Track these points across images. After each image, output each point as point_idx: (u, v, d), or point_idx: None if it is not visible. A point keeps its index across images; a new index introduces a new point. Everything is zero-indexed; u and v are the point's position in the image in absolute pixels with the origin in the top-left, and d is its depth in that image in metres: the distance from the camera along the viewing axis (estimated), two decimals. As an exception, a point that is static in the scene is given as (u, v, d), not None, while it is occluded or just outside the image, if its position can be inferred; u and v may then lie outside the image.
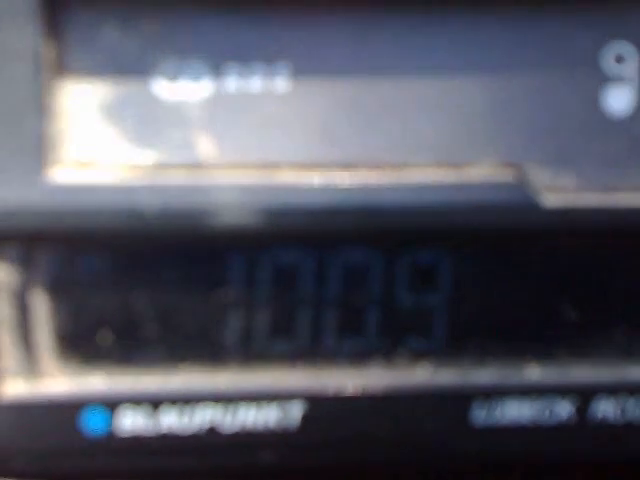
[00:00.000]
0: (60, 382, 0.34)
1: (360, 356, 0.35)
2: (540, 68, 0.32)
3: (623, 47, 0.32)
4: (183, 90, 0.32)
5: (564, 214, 0.33)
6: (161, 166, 0.32)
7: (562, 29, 0.32)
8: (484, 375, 0.35)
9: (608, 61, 0.32)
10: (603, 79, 0.33)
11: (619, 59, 0.32)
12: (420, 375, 0.35)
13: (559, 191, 0.33)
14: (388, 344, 0.35)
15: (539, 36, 0.32)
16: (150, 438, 0.34)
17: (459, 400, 0.35)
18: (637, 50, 0.32)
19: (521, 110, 0.32)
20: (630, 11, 0.32)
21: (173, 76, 0.31)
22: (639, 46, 0.32)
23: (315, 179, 0.32)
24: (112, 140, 0.32)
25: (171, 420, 0.34)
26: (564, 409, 0.35)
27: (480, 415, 0.35)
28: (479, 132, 0.32)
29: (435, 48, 0.32)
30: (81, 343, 0.34)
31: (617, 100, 0.33)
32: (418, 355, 0.35)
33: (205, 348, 0.34)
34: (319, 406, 0.35)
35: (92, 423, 0.34)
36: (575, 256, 0.34)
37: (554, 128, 0.33)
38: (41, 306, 0.33)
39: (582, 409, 0.35)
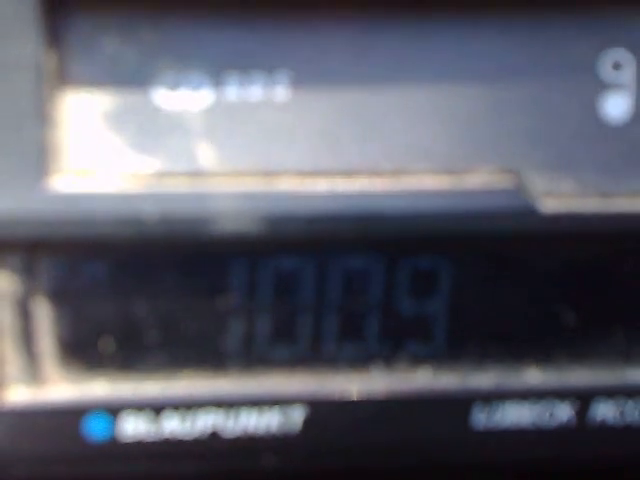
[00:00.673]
0: (63, 388, 0.34)
1: (361, 361, 0.35)
2: (538, 75, 0.32)
3: (620, 54, 0.32)
4: (183, 99, 0.32)
5: (562, 220, 0.33)
6: (162, 174, 0.32)
7: (559, 36, 0.32)
8: (484, 379, 0.35)
9: (605, 68, 0.33)
10: (600, 86, 0.33)
11: (616, 66, 0.33)
12: (420, 379, 0.35)
13: (557, 197, 0.33)
14: (388, 349, 0.35)
15: (537, 43, 0.32)
16: (152, 443, 0.34)
17: (459, 404, 0.35)
18: (634, 57, 0.32)
19: (519, 117, 0.33)
20: (627, 18, 0.32)
21: (173, 85, 0.32)
22: (636, 53, 0.32)
23: (315, 187, 0.32)
24: (113, 149, 0.32)
25: (173, 425, 0.34)
26: (564, 412, 0.35)
27: (480, 419, 0.35)
28: (478, 139, 0.33)
29: (434, 56, 0.32)
30: (83, 350, 0.34)
31: (614, 107, 0.33)
32: (418, 360, 0.35)
33: (207, 354, 0.34)
34: (320, 411, 0.35)
35: (95, 429, 0.34)
36: (573, 261, 0.34)
37: (552, 134, 0.33)
38: (43, 314, 0.33)
39: (582, 412, 0.35)
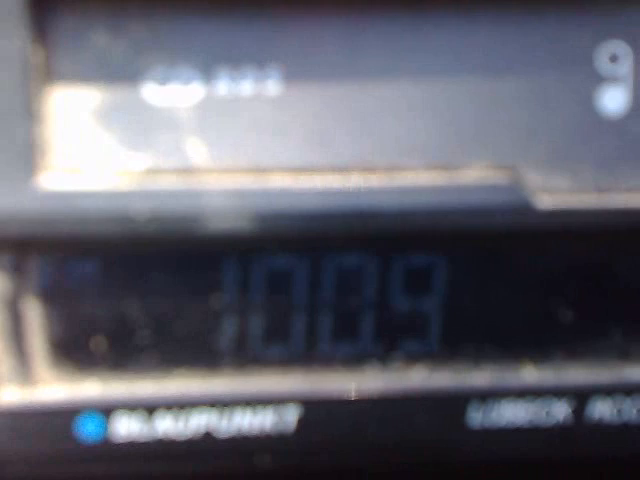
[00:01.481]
0: (55, 389, 0.34)
1: (355, 360, 0.35)
2: (534, 68, 0.32)
3: (617, 46, 0.32)
4: (173, 94, 0.31)
5: (558, 215, 0.33)
6: (152, 171, 0.32)
7: (556, 29, 0.32)
8: (480, 377, 0.35)
9: (602, 61, 0.32)
10: (597, 79, 0.32)
11: (613, 58, 0.32)
12: (416, 378, 0.35)
13: (553, 192, 0.33)
14: (383, 347, 0.35)
15: (533, 37, 0.32)
16: (146, 444, 0.34)
17: (455, 402, 0.35)
18: (631, 49, 0.32)
19: (515, 111, 0.32)
20: (624, 10, 0.32)
21: (163, 80, 0.31)
22: (633, 45, 0.32)
23: (308, 183, 0.32)
24: (102, 146, 0.31)
25: (166, 425, 0.34)
26: (561, 410, 0.35)
27: (476, 417, 0.35)
28: (472, 134, 0.32)
29: (427, 50, 0.32)
30: (75, 349, 0.34)
31: (611, 100, 0.32)
32: (413, 358, 0.35)
33: (200, 353, 0.34)
34: (315, 410, 0.34)
35: (87, 429, 0.34)
36: (570, 257, 0.34)
37: (548, 129, 0.32)
38: (34, 313, 0.33)
39: (579, 410, 0.35)
